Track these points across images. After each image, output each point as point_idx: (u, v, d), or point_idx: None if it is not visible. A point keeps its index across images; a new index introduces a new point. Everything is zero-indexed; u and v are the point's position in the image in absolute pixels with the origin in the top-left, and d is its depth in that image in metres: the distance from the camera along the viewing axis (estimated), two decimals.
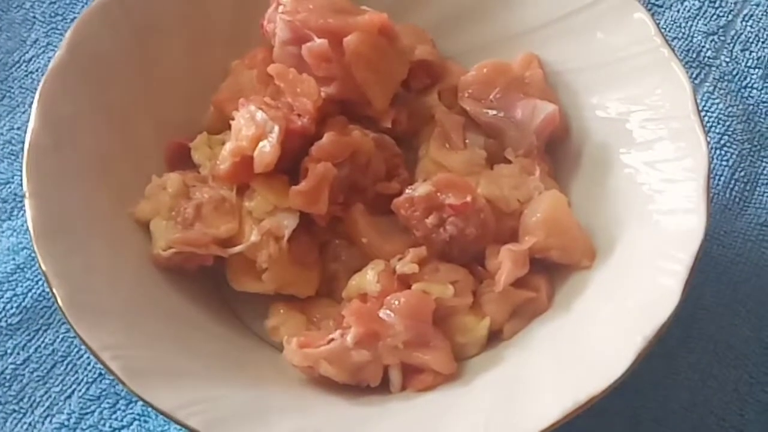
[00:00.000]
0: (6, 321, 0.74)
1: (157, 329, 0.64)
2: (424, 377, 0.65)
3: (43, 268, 0.62)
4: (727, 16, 0.86)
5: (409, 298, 0.65)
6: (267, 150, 0.66)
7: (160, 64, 0.73)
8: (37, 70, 0.85)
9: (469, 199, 0.67)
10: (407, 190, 0.68)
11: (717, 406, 0.71)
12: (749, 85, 0.83)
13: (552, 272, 0.69)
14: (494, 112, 0.72)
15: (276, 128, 0.66)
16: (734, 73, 0.84)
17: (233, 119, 0.69)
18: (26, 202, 0.63)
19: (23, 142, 0.66)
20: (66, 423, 0.71)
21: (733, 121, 0.81)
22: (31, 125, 0.66)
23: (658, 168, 0.67)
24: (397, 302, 0.65)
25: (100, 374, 0.72)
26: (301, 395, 0.64)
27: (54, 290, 0.61)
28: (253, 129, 0.67)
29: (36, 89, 0.68)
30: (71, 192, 0.66)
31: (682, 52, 0.84)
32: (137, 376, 0.59)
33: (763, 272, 0.75)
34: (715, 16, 0.86)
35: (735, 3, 0.87)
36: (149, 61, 0.73)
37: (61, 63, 0.68)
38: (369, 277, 0.67)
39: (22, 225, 0.78)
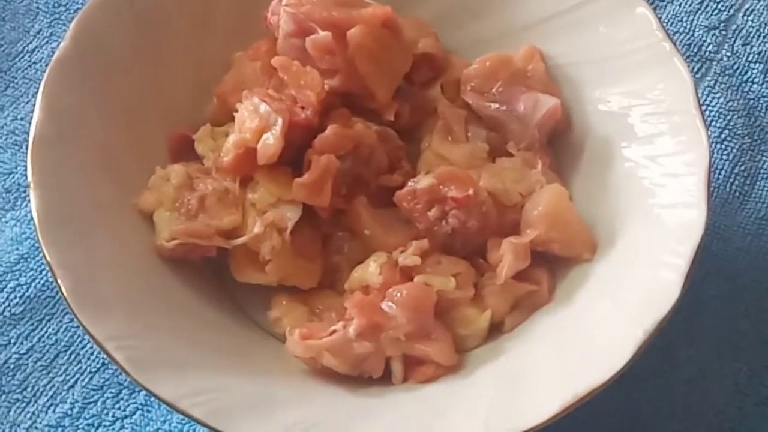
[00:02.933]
0: (10, 311, 0.74)
1: (160, 320, 0.64)
2: (426, 369, 0.65)
3: (48, 258, 0.62)
4: (729, 11, 0.87)
5: (411, 291, 0.66)
6: (270, 142, 0.66)
7: (163, 56, 0.74)
8: (40, 61, 0.85)
9: (471, 192, 0.67)
10: (409, 183, 0.69)
11: (716, 399, 0.71)
12: (750, 79, 0.84)
13: (553, 265, 0.69)
14: (496, 105, 0.73)
15: (279, 120, 0.66)
16: (735, 67, 0.84)
17: (237, 111, 0.70)
18: (31, 193, 0.64)
19: (27, 133, 0.67)
20: (69, 412, 0.71)
21: (733, 115, 0.82)
22: (35, 116, 0.66)
23: (659, 162, 0.67)
24: (399, 294, 0.65)
25: (104, 364, 0.72)
26: (304, 386, 0.65)
27: (58, 281, 0.61)
28: (257, 121, 0.67)
29: (39, 80, 0.69)
30: (75, 183, 0.66)
31: (683, 47, 0.84)
32: (141, 367, 0.59)
33: (762, 266, 0.75)
34: (716, 11, 0.87)
35: None
36: (153, 52, 0.73)
37: (66, 54, 0.69)
38: (371, 269, 0.67)
39: (26, 215, 0.78)
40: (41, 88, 0.67)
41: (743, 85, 0.83)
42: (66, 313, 0.74)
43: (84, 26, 0.70)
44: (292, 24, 0.70)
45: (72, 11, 0.87)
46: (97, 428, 0.71)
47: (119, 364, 0.59)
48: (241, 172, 0.69)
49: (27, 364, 0.73)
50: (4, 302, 0.75)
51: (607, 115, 0.72)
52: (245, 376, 0.63)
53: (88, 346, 0.73)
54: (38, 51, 0.86)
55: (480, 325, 0.67)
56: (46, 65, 0.68)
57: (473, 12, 0.77)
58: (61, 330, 0.74)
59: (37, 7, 0.88)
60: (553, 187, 0.69)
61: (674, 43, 0.69)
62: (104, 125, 0.70)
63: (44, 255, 0.62)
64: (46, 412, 0.71)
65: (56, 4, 0.88)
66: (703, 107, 0.74)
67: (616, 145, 0.70)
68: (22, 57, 0.86)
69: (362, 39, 0.68)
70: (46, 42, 0.86)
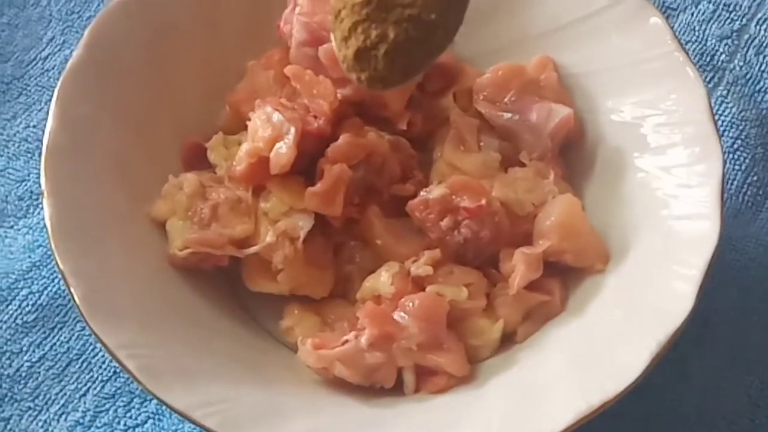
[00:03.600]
0: (22, 318, 0.74)
1: (172, 329, 0.64)
2: (438, 379, 0.65)
3: (61, 267, 0.62)
4: (741, 20, 0.86)
5: (423, 301, 0.66)
6: (283, 151, 0.67)
7: (176, 64, 0.74)
8: (53, 68, 0.85)
9: (483, 202, 0.67)
10: (422, 193, 0.69)
11: (728, 410, 0.71)
12: (763, 89, 0.83)
13: (565, 275, 0.69)
14: (509, 115, 0.73)
15: (292, 130, 0.66)
16: (748, 77, 0.84)
17: (249, 120, 0.70)
18: (44, 201, 0.64)
19: (39, 140, 0.67)
20: (81, 421, 0.71)
21: (746, 125, 0.81)
22: (49, 125, 0.67)
23: (672, 173, 0.67)
24: (411, 304, 0.65)
25: (115, 372, 0.72)
26: (316, 396, 0.65)
27: (71, 289, 0.61)
28: (270, 130, 0.67)
29: (52, 87, 0.69)
30: (88, 192, 0.66)
31: (696, 56, 0.84)
32: (153, 375, 0.59)
33: None
34: (729, 20, 0.86)
35: (749, 7, 0.87)
36: (166, 60, 0.73)
37: (79, 63, 0.69)
38: (383, 279, 0.67)
39: (38, 223, 0.78)
40: (54, 97, 0.68)
41: (756, 94, 0.83)
42: (78, 321, 0.74)
43: (97, 35, 0.70)
44: (305, 33, 0.70)
45: (84, 19, 0.87)
46: None
47: (131, 373, 0.59)
48: (254, 181, 0.69)
49: (39, 372, 0.73)
50: (16, 310, 0.75)
51: (620, 125, 0.72)
52: (257, 385, 0.63)
53: (100, 354, 0.73)
54: (51, 58, 0.86)
55: (492, 335, 0.67)
56: (59, 73, 0.68)
57: (486, 21, 0.77)
58: (73, 338, 0.74)
59: (50, 15, 0.88)
60: (566, 197, 0.69)
61: (687, 53, 0.69)
62: (117, 134, 0.70)
63: (57, 263, 0.62)
64: (58, 421, 0.71)
65: (69, 12, 0.88)
66: (716, 117, 0.74)
67: (628, 155, 0.70)
68: (35, 64, 0.86)
69: None
70: (59, 49, 0.86)
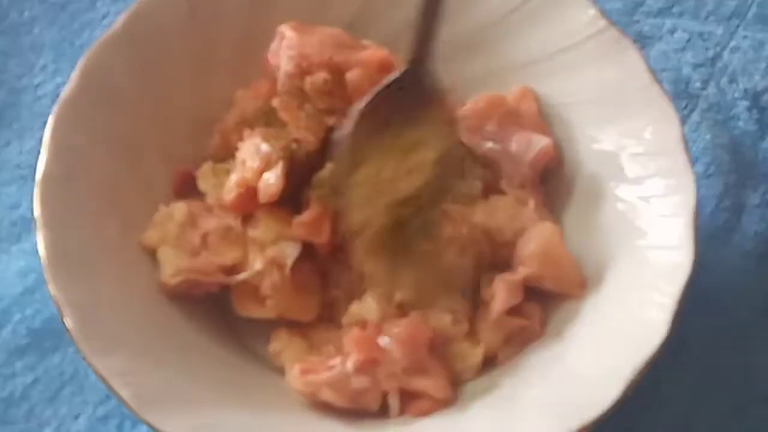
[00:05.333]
0: (15, 342, 0.76)
1: (165, 355, 0.66)
2: (422, 403, 0.67)
3: (55, 296, 0.64)
4: (715, 48, 0.89)
5: (407, 326, 0.68)
6: (272, 182, 0.68)
7: (168, 94, 0.75)
8: (45, 95, 0.86)
9: (465, 230, 0.69)
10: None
11: None
12: (736, 116, 0.85)
13: (545, 300, 0.71)
14: (490, 144, 0.75)
15: (280, 162, 0.68)
16: (721, 104, 0.86)
17: (238, 149, 0.72)
18: (38, 232, 0.66)
19: (31, 166, 0.68)
20: None
21: (720, 151, 0.83)
22: (42, 155, 0.68)
23: (648, 202, 0.70)
24: (395, 330, 0.67)
25: (107, 395, 0.73)
26: (304, 419, 0.66)
27: (65, 319, 0.63)
28: (258, 161, 0.69)
29: (45, 114, 0.70)
30: (82, 221, 0.68)
31: (671, 84, 0.86)
32: (147, 403, 0.61)
33: (748, 301, 0.77)
34: (703, 48, 0.89)
35: (723, 36, 0.89)
36: (157, 90, 0.75)
37: (72, 94, 0.70)
38: (368, 305, 0.69)
39: (31, 248, 0.78)
40: (48, 127, 0.69)
41: (729, 121, 0.85)
42: (70, 345, 0.75)
43: (90, 66, 0.72)
44: (293, 66, 0.72)
45: (76, 46, 0.88)
46: None
47: (125, 402, 0.61)
48: (243, 210, 0.71)
49: (32, 395, 0.74)
50: (9, 334, 0.76)
51: (598, 155, 0.74)
52: (247, 410, 0.65)
53: (92, 377, 0.74)
54: (43, 85, 0.87)
55: (474, 359, 0.69)
56: (52, 100, 0.70)
57: (467, 51, 0.79)
58: (66, 361, 0.75)
59: (42, 43, 0.89)
60: (546, 225, 0.71)
61: (662, 86, 0.72)
62: (110, 163, 0.71)
63: (51, 292, 0.64)
64: None
65: (61, 40, 0.89)
66: (690, 143, 0.75)
67: (606, 184, 0.73)
68: (27, 91, 0.87)
69: (360, 81, 0.71)
70: (51, 77, 0.87)
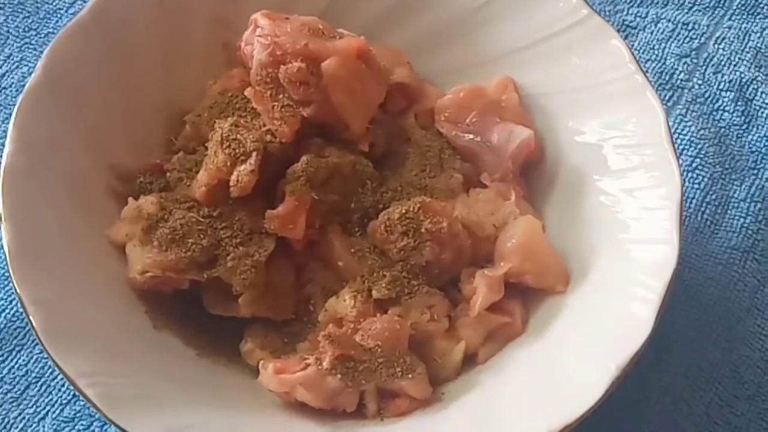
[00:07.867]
0: None
1: (133, 354, 0.64)
2: (400, 402, 0.65)
3: (20, 293, 0.61)
4: (700, 39, 0.87)
5: (385, 323, 0.66)
6: (245, 174, 0.66)
7: (136, 84, 0.73)
8: (10, 86, 0.84)
9: (445, 224, 0.67)
10: (383, 213, 0.69)
11: (687, 429, 0.72)
12: (721, 107, 0.84)
13: (526, 296, 0.69)
14: (471, 136, 0.73)
15: (254, 153, 0.66)
16: (706, 95, 0.85)
17: (209, 140, 0.69)
18: (2, 226, 0.63)
19: None
20: None
21: (705, 143, 0.82)
22: (6, 148, 0.66)
23: (631, 195, 0.68)
24: (372, 327, 0.65)
25: (74, 396, 0.72)
26: (277, 420, 0.64)
27: (30, 317, 0.60)
28: (230, 152, 0.67)
29: (9, 105, 0.68)
30: (47, 215, 0.66)
31: (655, 74, 0.85)
32: (114, 404, 0.59)
33: (733, 295, 0.76)
34: (687, 39, 0.87)
35: (707, 26, 0.88)
36: (125, 80, 0.73)
37: (37, 84, 0.68)
38: (345, 302, 0.67)
39: None
40: (12, 119, 0.67)
41: (714, 113, 0.84)
42: (36, 344, 0.73)
43: (55, 55, 0.69)
44: (266, 54, 0.69)
45: (42, 35, 0.86)
46: None
47: (92, 402, 0.59)
48: (215, 203, 0.68)
49: None
50: None
51: (581, 146, 0.72)
52: (220, 411, 0.63)
53: (59, 377, 0.72)
54: (8, 76, 0.85)
55: (454, 357, 0.68)
56: (17, 90, 0.67)
57: (447, 40, 0.77)
58: (32, 361, 0.73)
59: (8, 32, 0.87)
60: (527, 219, 0.69)
61: (646, 76, 0.70)
62: (76, 155, 0.69)
63: (15, 290, 0.61)
64: None
65: (26, 29, 0.87)
66: (675, 136, 0.74)
67: (589, 177, 0.71)
68: None
69: (336, 70, 0.68)
70: (17, 66, 0.85)
